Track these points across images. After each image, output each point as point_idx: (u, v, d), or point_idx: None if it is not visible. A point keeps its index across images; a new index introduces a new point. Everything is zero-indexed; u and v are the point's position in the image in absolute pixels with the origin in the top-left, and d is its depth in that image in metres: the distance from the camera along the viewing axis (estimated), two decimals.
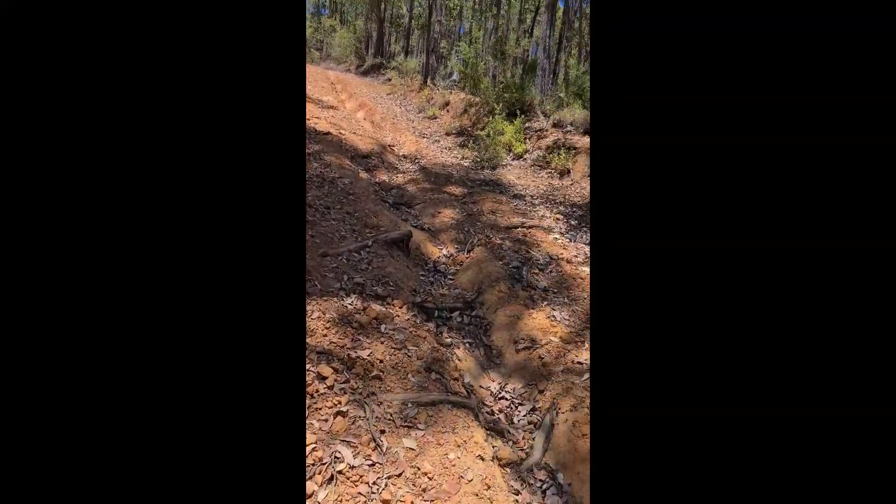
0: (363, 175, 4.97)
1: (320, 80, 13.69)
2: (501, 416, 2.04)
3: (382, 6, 17.64)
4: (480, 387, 2.22)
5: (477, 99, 8.64)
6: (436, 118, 9.26)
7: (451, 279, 3.21)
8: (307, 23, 23.79)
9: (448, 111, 9.31)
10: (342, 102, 10.85)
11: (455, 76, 10.97)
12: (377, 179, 5.26)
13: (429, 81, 11.67)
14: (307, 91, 10.80)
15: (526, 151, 6.74)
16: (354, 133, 7.08)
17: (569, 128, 6.57)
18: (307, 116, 7.25)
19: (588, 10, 11.88)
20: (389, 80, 15.92)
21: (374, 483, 1.39)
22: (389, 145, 7.03)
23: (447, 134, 8.15)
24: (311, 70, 16.18)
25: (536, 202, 5.03)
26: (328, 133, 6.46)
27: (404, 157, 6.67)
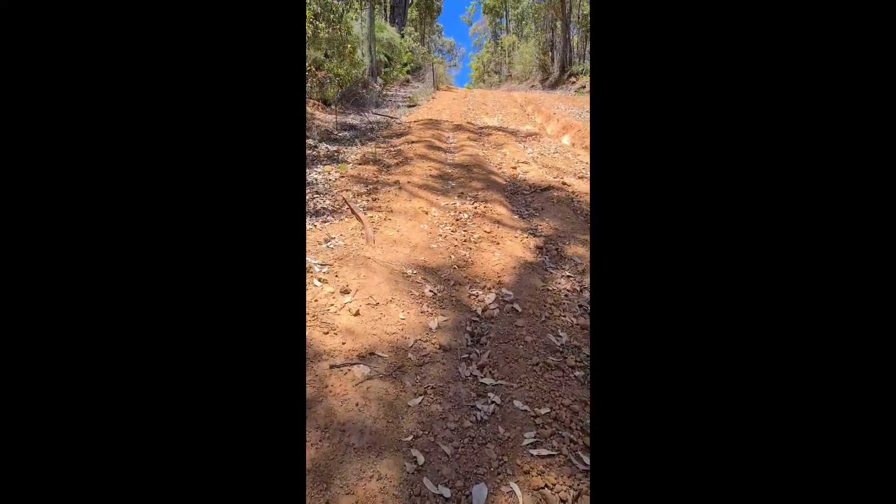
0: None
1: (507, 105, 11.72)
2: None
3: (567, 7, 15.01)
4: None
5: None
6: None
7: None
8: (485, 48, 22.51)
9: None
10: (541, 128, 8.59)
11: None
12: None
13: None
14: (496, 122, 8.84)
15: None
16: (581, 177, 4.67)
17: None
18: (513, 163, 5.11)
19: None
20: (584, 87, 13.20)
21: None
22: None
23: None
24: (493, 95, 14.44)
25: None
26: (548, 187, 4.16)
27: None
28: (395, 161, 4.85)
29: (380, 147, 5.73)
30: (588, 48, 16.60)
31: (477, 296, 2.17)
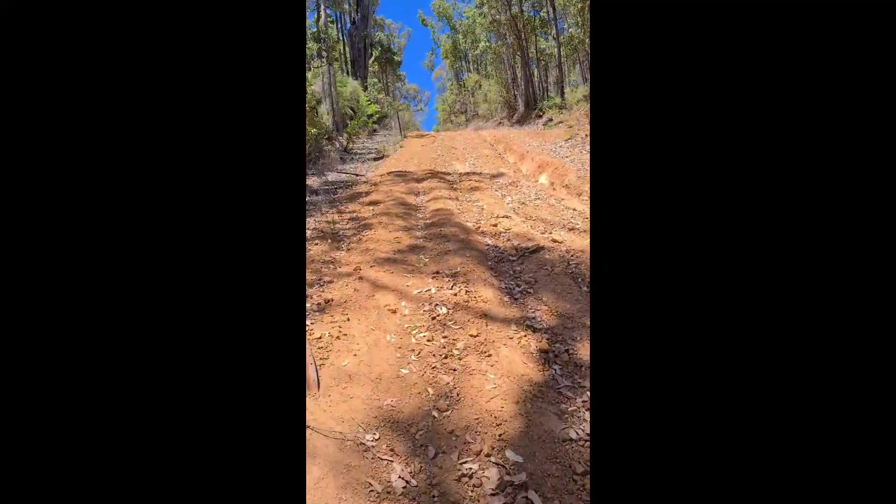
0: None
1: (478, 145, 11.28)
2: None
3: (524, 43, 14.95)
4: None
5: None
6: None
7: None
8: (449, 90, 22.54)
9: None
10: (515, 168, 8.08)
11: None
12: None
13: None
14: (468, 167, 8.31)
15: None
16: (572, 229, 4.04)
17: None
18: (492, 219, 4.46)
19: None
20: (551, 120, 12.92)
21: None
22: None
23: None
24: (462, 136, 14.08)
25: None
26: (537, 248, 3.50)
27: None
28: (357, 232, 4.16)
29: (341, 214, 5.06)
30: (550, 81, 16.55)
31: (470, 475, 1.42)
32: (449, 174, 7.56)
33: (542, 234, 3.93)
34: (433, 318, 2.43)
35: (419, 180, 7.00)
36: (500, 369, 1.94)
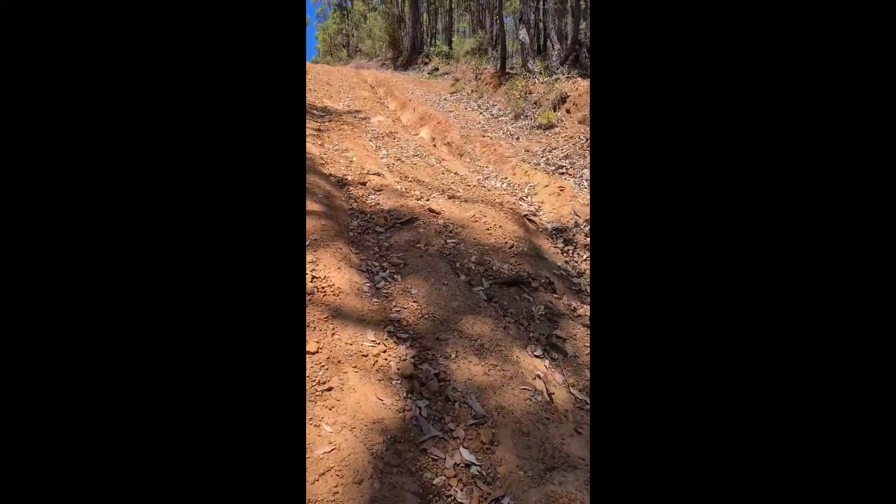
0: None
1: (356, 86, 10.05)
2: None
3: None
4: None
5: None
6: (554, 127, 5.45)
7: None
8: (331, 19, 20.11)
9: (571, 113, 5.48)
10: (395, 117, 7.24)
11: (555, 55, 6.98)
12: None
13: (508, 67, 7.81)
14: (342, 107, 7.26)
15: None
16: (453, 196, 3.49)
17: None
18: (361, 174, 3.70)
19: None
20: (437, 69, 12.14)
21: None
22: (530, 214, 3.38)
23: None
24: (340, 72, 12.54)
25: None
26: (411, 218, 2.90)
27: None
28: None
29: None
30: (438, 27, 15.57)
31: None
32: (319, 114, 6.45)
33: (418, 200, 3.32)
34: None
35: None
36: (342, 413, 1.33)
